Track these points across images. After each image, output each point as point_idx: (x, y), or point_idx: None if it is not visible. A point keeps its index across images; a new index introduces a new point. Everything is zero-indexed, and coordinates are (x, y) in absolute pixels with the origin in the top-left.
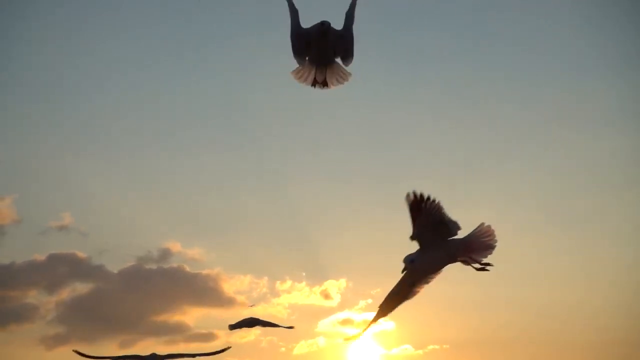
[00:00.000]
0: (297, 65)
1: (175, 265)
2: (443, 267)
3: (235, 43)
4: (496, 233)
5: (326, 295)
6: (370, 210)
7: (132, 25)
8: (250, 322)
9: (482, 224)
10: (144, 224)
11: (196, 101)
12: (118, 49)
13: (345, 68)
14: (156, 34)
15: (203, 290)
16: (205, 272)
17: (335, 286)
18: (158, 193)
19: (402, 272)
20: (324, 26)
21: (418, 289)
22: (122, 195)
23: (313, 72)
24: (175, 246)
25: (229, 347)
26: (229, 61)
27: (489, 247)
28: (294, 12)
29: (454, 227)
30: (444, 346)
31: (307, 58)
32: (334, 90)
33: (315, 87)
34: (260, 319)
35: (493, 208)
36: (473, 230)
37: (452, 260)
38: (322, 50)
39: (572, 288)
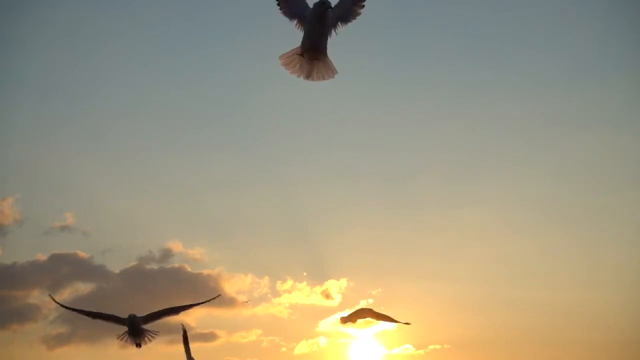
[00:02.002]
0: (286, 51)
1: (176, 265)
2: None
3: (235, 43)
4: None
5: (327, 295)
6: (371, 210)
7: (132, 25)
8: (364, 313)
9: None
10: (146, 224)
11: (196, 101)
12: (118, 49)
13: (334, 66)
14: (156, 34)
15: (204, 290)
16: (206, 272)
17: (336, 286)
18: (159, 193)
19: None
20: (324, 5)
21: None
22: (123, 196)
23: (303, 63)
24: (177, 246)
25: (219, 295)
26: (229, 61)
27: None
28: None
29: None
30: (445, 346)
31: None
32: (335, 91)
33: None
34: (375, 310)
35: (493, 208)
36: None
37: None
38: (316, 32)
39: (573, 288)
